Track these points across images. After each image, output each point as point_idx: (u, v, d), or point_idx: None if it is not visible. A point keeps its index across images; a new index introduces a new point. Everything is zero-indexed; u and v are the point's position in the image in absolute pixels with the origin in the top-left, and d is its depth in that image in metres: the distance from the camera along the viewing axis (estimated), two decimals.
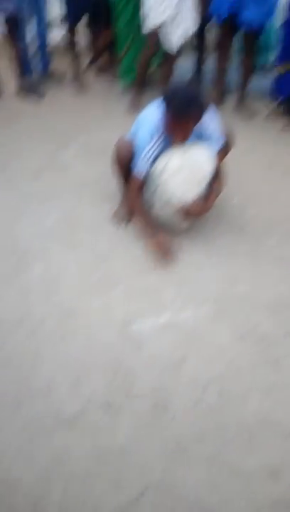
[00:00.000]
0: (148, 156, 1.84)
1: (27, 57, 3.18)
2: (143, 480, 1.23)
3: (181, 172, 1.82)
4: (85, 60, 3.57)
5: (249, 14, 2.66)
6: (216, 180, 1.95)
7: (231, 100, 3.23)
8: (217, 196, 1.97)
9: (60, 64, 3.61)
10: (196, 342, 1.61)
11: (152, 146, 1.83)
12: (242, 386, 1.47)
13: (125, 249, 2.00)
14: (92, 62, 3.58)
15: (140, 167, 1.87)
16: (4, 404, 1.37)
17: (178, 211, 1.92)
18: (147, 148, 1.83)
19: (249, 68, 3.01)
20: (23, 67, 3.14)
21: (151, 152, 1.84)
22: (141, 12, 2.80)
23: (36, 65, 3.34)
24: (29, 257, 1.91)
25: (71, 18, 3.14)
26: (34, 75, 3.30)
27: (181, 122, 1.74)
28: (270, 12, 2.70)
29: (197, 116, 1.73)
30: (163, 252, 1.93)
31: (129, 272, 1.88)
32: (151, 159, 1.86)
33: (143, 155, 1.84)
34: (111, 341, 1.59)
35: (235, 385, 1.47)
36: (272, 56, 3.43)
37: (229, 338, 1.63)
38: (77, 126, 2.89)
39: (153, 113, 1.84)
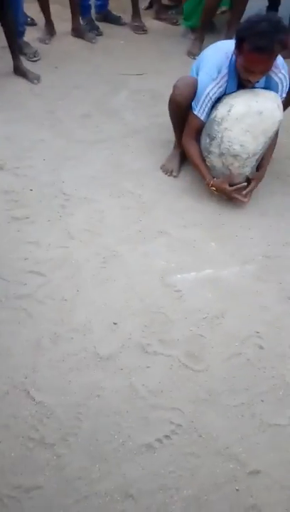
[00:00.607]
0: (210, 95, 1.78)
1: None
2: (171, 422, 1.32)
3: (245, 120, 1.76)
4: (145, 1, 3.47)
5: None
6: (273, 138, 1.89)
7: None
8: (269, 160, 1.94)
9: (118, 4, 3.54)
10: (238, 298, 1.63)
11: (215, 85, 1.77)
12: (282, 345, 1.50)
13: (170, 201, 2.02)
14: (152, 3, 3.48)
15: (201, 107, 1.82)
16: (44, 337, 1.49)
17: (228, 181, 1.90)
18: (210, 87, 1.77)
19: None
20: (80, 7, 3.11)
21: (213, 92, 1.78)
22: None
23: (93, 4, 3.30)
24: (73, 200, 1.99)
25: None
26: (90, 16, 3.26)
27: (261, 55, 1.58)
28: None
29: (279, 51, 1.61)
30: (224, 189, 1.92)
31: (174, 224, 1.91)
32: (213, 100, 1.80)
33: (205, 94, 1.78)
34: (151, 289, 1.65)
35: (275, 342, 1.50)
36: None
37: (274, 298, 1.64)
38: (131, 70, 2.86)
39: (219, 50, 1.77)
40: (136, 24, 3.29)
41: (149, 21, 3.38)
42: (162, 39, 3.17)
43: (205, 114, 1.83)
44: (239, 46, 1.63)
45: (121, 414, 1.32)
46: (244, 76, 1.71)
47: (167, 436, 1.29)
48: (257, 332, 1.52)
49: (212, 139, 1.87)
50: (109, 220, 1.92)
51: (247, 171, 1.90)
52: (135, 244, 1.82)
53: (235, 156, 1.83)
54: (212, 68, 1.75)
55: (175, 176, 2.14)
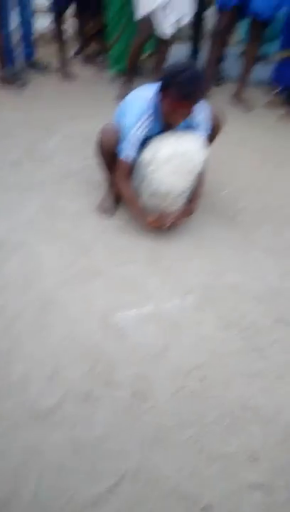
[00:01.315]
0: (135, 137, 1.93)
1: (10, 46, 3.35)
2: (119, 469, 1.32)
3: (171, 161, 1.91)
4: (72, 49, 3.74)
5: (259, 4, 2.80)
6: (201, 174, 2.07)
7: (229, 89, 3.39)
8: (201, 194, 2.13)
9: (46, 53, 3.80)
10: (180, 331, 1.72)
11: (139, 127, 1.92)
12: (225, 373, 1.58)
13: (108, 240, 2.12)
14: (80, 50, 3.76)
15: (127, 151, 1.96)
16: None
17: (163, 216, 2.05)
18: (134, 130, 1.91)
19: (253, 58, 3.16)
20: (6, 56, 3.30)
21: (138, 134, 1.92)
22: None
23: (20, 53, 3.51)
24: (7, 246, 2.02)
25: (58, 6, 3.31)
26: (17, 64, 3.46)
27: (185, 101, 1.78)
28: (280, 4, 2.83)
29: (200, 97, 1.81)
30: (161, 225, 2.08)
31: (112, 262, 2.00)
32: (138, 142, 1.95)
33: (130, 137, 1.92)
34: (92, 331, 1.70)
35: (218, 371, 1.58)
36: (275, 46, 3.60)
37: (215, 327, 1.74)
38: (61, 115, 3.04)
39: (142, 94, 1.93)
40: (65, 71, 3.53)
41: (78, 68, 3.64)
42: (91, 84, 3.41)
43: (132, 155, 1.97)
44: (163, 92, 1.81)
45: (65, 470, 1.31)
46: (169, 119, 1.90)
47: (116, 485, 1.30)
48: (199, 363, 1.60)
49: (142, 180, 2.02)
50: (46, 264, 1.97)
51: (176, 208, 2.05)
52: (74, 286, 1.88)
53: (164, 195, 1.98)
54: (136, 112, 1.91)
55: (110, 216, 2.26)
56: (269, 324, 1.76)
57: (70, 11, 3.54)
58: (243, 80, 3.25)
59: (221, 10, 2.98)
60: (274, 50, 3.71)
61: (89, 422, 1.43)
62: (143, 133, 1.94)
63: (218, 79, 3.54)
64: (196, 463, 1.35)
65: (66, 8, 3.36)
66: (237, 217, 2.31)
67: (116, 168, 2.06)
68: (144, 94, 1.93)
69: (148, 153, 1.96)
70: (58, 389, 1.52)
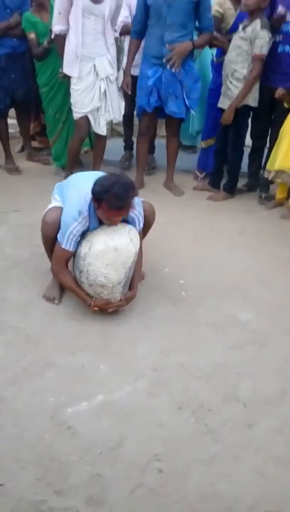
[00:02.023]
0: (72, 234, 1.97)
1: None
2: None
3: (105, 256, 1.94)
4: (16, 145, 3.84)
5: (172, 107, 3.10)
6: (137, 262, 2.12)
7: (161, 176, 3.58)
8: (138, 281, 2.19)
9: None
10: (133, 422, 1.61)
11: (78, 225, 1.96)
12: (182, 461, 1.48)
13: (57, 328, 2.03)
14: (23, 147, 3.86)
15: (67, 242, 1.98)
16: None
17: (106, 302, 2.05)
18: (73, 226, 1.95)
19: (173, 150, 3.42)
20: None
21: (76, 230, 1.97)
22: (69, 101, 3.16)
23: None
24: None
25: (0, 105, 3.43)
26: None
27: (117, 212, 1.88)
28: (192, 105, 3.14)
29: (131, 205, 1.91)
30: (108, 306, 2.06)
31: (62, 353, 1.89)
32: (77, 236, 1.98)
33: (69, 232, 1.95)
34: (42, 432, 1.55)
35: (175, 461, 1.48)
36: (197, 139, 3.93)
37: (168, 411, 1.66)
38: (8, 207, 3.02)
39: (81, 191, 1.95)
40: (10, 166, 3.58)
41: (23, 163, 3.71)
42: (36, 177, 3.47)
43: (71, 247, 2.00)
44: (97, 203, 1.87)
45: None
46: (105, 221, 1.97)
47: None
48: (155, 455, 1.49)
49: (80, 271, 2.01)
50: None
51: (117, 296, 2.04)
52: (21, 383, 1.73)
53: (102, 285, 1.98)
54: (74, 211, 1.94)
55: (57, 303, 2.18)
56: (219, 402, 1.70)
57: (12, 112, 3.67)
58: (171, 169, 3.47)
59: (142, 113, 3.24)
60: (195, 142, 4.05)
61: None
62: (80, 230, 1.98)
63: (151, 168, 3.75)
64: None
65: (6, 110, 3.49)
66: (180, 294, 2.32)
67: (53, 256, 2.09)
68: (83, 192, 1.95)
69: (84, 247, 1.99)
70: (6, 502, 1.34)
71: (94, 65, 2.96)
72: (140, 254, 2.14)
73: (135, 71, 3.19)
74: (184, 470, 1.45)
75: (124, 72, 3.25)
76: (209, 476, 1.44)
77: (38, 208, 3.00)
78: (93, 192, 1.86)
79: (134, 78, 3.19)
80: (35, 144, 3.89)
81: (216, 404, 1.68)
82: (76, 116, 3.13)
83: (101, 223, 2.01)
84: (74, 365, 1.83)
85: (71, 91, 3.07)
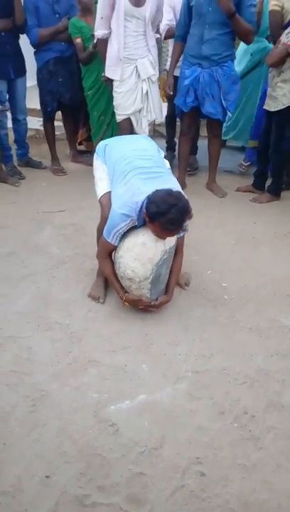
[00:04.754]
0: (120, 231, 1.99)
1: (7, 145, 3.51)
2: None
3: (134, 249, 1.99)
4: (62, 147, 3.94)
5: (209, 108, 3.07)
6: (174, 266, 2.13)
7: (203, 177, 3.55)
8: (175, 282, 2.18)
9: (39, 151, 3.99)
10: (174, 423, 1.60)
11: (125, 225, 1.97)
12: (224, 467, 1.45)
13: (100, 326, 2.06)
14: (71, 149, 3.96)
15: (113, 237, 2.00)
16: None
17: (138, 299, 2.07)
18: (121, 226, 1.96)
19: (215, 150, 3.38)
20: (3, 154, 3.45)
21: (123, 229, 1.99)
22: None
23: (15, 151, 3.68)
24: (0, 340, 1.95)
25: (46, 111, 3.54)
26: (13, 162, 3.61)
27: (173, 232, 1.89)
28: (229, 106, 3.09)
29: (183, 227, 1.88)
30: (139, 303, 2.08)
31: (104, 351, 1.92)
32: (121, 235, 2.01)
33: (116, 230, 1.98)
34: (86, 428, 1.58)
35: (216, 466, 1.45)
36: (240, 138, 3.88)
37: (209, 416, 1.64)
38: (54, 208, 3.11)
39: (134, 196, 1.91)
40: (56, 168, 3.68)
41: (68, 164, 3.81)
42: (80, 179, 3.54)
43: (116, 242, 2.03)
44: (150, 220, 1.85)
45: None
46: (153, 233, 1.94)
47: None
48: (197, 458, 1.47)
49: (114, 263, 2.10)
50: (38, 356, 1.88)
51: (146, 292, 2.05)
52: (66, 379, 1.77)
53: (130, 279, 2.03)
54: (123, 212, 1.94)
55: (102, 302, 2.22)
56: (262, 409, 1.66)
57: (59, 115, 3.78)
58: (213, 170, 3.43)
59: (181, 113, 3.24)
60: (239, 142, 4.00)
61: None
62: (126, 229, 2.00)
63: (193, 169, 3.72)
64: None
65: (54, 113, 3.60)
66: (221, 297, 2.28)
67: (99, 245, 2.13)
68: (135, 197, 1.91)
69: (121, 240, 2.04)
70: (52, 494, 1.38)
71: (136, 67, 2.99)
72: (178, 258, 2.14)
73: (178, 72, 3.19)
74: (225, 475, 1.43)
75: (167, 73, 3.26)
76: (251, 483, 1.41)
77: (82, 208, 3.09)
78: (148, 210, 1.83)
79: (177, 79, 3.19)
80: (80, 147, 3.99)
81: (259, 411, 1.64)
82: (119, 118, 3.17)
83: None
84: (117, 364, 1.85)
85: (114, 94, 3.11)
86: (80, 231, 2.80)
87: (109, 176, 2.14)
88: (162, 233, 1.89)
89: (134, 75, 3.02)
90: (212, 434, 1.56)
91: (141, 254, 1.98)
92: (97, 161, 2.25)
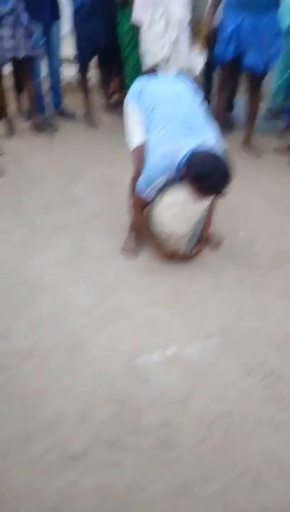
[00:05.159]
0: (156, 187, 1.91)
1: (40, 95, 3.39)
2: None
3: (172, 208, 1.92)
4: (96, 97, 3.77)
5: (251, 59, 2.80)
6: (208, 217, 2.07)
7: (239, 136, 3.36)
8: (206, 241, 2.15)
9: (72, 101, 3.83)
10: (203, 377, 1.63)
11: (163, 180, 1.88)
12: (249, 423, 1.48)
13: (132, 280, 2.06)
14: (104, 100, 3.79)
15: (149, 192, 1.92)
16: (11, 441, 1.40)
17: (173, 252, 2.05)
18: (157, 181, 1.88)
19: (255, 109, 3.15)
20: (37, 104, 3.33)
21: (158, 185, 1.91)
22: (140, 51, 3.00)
23: (49, 102, 3.55)
24: (38, 288, 1.98)
25: (82, 57, 3.35)
26: (47, 112, 3.49)
27: (206, 198, 1.83)
28: (272, 59, 2.83)
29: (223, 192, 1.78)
30: (174, 256, 2.07)
31: (136, 303, 1.93)
32: (158, 189, 1.92)
33: (153, 184, 1.89)
34: (118, 375, 1.62)
35: (242, 422, 1.49)
36: (279, 100, 3.60)
37: (237, 373, 1.65)
38: (87, 160, 3.03)
39: (174, 152, 1.80)
40: (89, 119, 3.54)
41: (101, 116, 3.66)
42: (113, 131, 3.40)
43: (152, 196, 1.95)
44: (190, 183, 1.76)
45: None
46: (189, 193, 1.83)
47: None
48: (223, 413, 1.50)
49: (151, 219, 2.04)
50: (74, 304, 1.91)
51: (182, 247, 2.05)
52: (100, 327, 1.81)
53: (168, 236, 2.01)
54: (162, 167, 1.85)
55: (135, 256, 2.20)
56: (288, 372, 1.66)
57: (94, 62, 3.58)
58: (250, 129, 3.23)
59: (220, 64, 2.99)
60: (277, 103, 3.71)
61: (117, 469, 1.35)
62: (164, 183, 1.91)
63: (228, 126, 3.52)
64: None
65: (89, 59, 3.40)
66: (253, 260, 2.23)
67: (134, 198, 2.04)
68: (173, 156, 1.81)
69: (158, 195, 1.96)
70: (86, 433, 1.44)
71: (165, 10, 2.76)
72: (211, 210, 2.07)
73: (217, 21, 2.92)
74: (250, 432, 1.46)
75: (204, 23, 2.98)
76: (274, 441, 1.44)
77: (115, 161, 2.99)
78: (188, 172, 1.74)
79: (216, 29, 2.92)
80: (113, 99, 3.80)
81: (286, 374, 1.65)
82: (147, 65, 2.96)
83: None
84: (148, 317, 1.87)
85: (141, 38, 2.90)
86: (114, 184, 2.73)
87: (143, 123, 1.99)
88: (199, 196, 1.82)
89: (163, 19, 2.79)
90: (239, 392, 1.58)
91: (179, 214, 1.93)
92: (129, 107, 2.08)
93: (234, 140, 3.38)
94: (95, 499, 1.27)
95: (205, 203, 1.95)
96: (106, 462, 1.36)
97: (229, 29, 2.76)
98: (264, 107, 3.49)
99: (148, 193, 1.94)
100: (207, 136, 1.85)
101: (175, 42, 2.87)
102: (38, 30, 3.05)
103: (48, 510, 1.24)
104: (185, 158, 1.78)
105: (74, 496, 1.27)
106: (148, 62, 2.95)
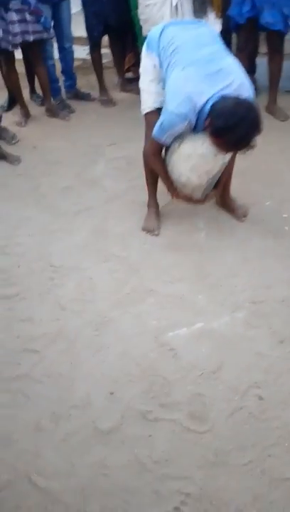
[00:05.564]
0: (174, 133, 1.79)
1: (54, 78, 3.39)
2: (181, 493, 1.25)
3: (190, 160, 1.82)
4: (111, 75, 3.73)
5: (268, 17, 2.67)
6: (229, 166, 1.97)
7: (263, 99, 3.22)
8: (224, 183, 2.05)
9: (86, 81, 3.82)
10: (233, 349, 1.62)
11: (181, 127, 1.75)
12: (283, 392, 1.46)
13: (156, 259, 2.05)
14: (119, 77, 3.74)
15: (167, 137, 1.81)
16: (44, 418, 1.45)
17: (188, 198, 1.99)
18: (176, 128, 1.75)
19: (277, 69, 3.00)
20: (51, 87, 3.34)
21: (178, 131, 1.78)
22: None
23: (63, 83, 3.55)
24: (62, 271, 2.02)
25: (93, 36, 3.31)
26: (62, 95, 3.49)
27: (233, 152, 1.73)
28: (288, 16, 2.68)
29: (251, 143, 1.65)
30: (190, 201, 2.01)
31: (161, 281, 1.93)
32: (176, 135, 1.80)
33: (170, 131, 1.77)
34: (146, 351, 1.64)
35: (275, 390, 1.46)
36: None
37: (268, 343, 1.63)
38: (105, 141, 3.02)
39: (192, 97, 1.68)
40: (105, 98, 3.52)
41: (117, 94, 3.62)
42: (130, 109, 3.36)
43: (169, 141, 1.85)
44: (215, 135, 1.65)
45: (128, 491, 1.26)
46: (217, 148, 1.74)
47: (177, 508, 1.22)
48: (256, 382, 1.49)
49: (167, 164, 1.94)
50: (99, 286, 1.94)
51: (198, 194, 1.97)
52: (126, 307, 1.83)
53: (183, 185, 1.92)
54: (182, 112, 1.71)
55: (156, 235, 2.19)
56: None
57: (107, 41, 3.53)
58: (273, 91, 3.09)
59: (236, 25, 2.86)
60: None
61: (149, 443, 1.37)
62: (182, 130, 1.78)
63: None
64: (258, 488, 1.25)
65: (100, 38, 3.35)
66: (282, 228, 2.16)
67: (150, 144, 1.93)
68: (195, 99, 1.68)
69: (174, 143, 1.85)
70: (117, 409, 1.47)
71: None
72: (233, 158, 1.96)
73: None
74: (284, 400, 1.44)
75: None
76: None
77: (133, 139, 2.94)
78: (213, 123, 1.62)
79: None
80: (128, 75, 3.74)
81: None
82: (146, 34, 2.88)
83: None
84: (174, 294, 1.86)
85: (140, 6, 2.82)
86: (132, 163, 2.71)
87: (159, 82, 1.88)
88: (226, 149, 1.70)
89: None
90: (271, 361, 1.56)
91: (198, 166, 1.82)
92: (146, 59, 1.92)
93: (258, 103, 3.24)
94: (125, 474, 1.30)
95: (227, 157, 1.84)
96: (139, 436, 1.38)
97: None
98: (287, 67, 3.32)
99: (165, 139, 1.82)
100: (232, 77, 1.70)
101: (176, 9, 2.76)
102: (46, 12, 3.04)
103: (83, 486, 1.28)
104: (208, 105, 1.66)
105: (106, 471, 1.31)
106: (148, 30, 2.87)
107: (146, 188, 2.24)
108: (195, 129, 1.81)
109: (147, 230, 2.21)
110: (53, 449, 1.37)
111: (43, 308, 1.84)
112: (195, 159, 1.82)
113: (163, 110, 1.80)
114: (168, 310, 1.79)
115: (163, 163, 1.97)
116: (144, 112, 1.99)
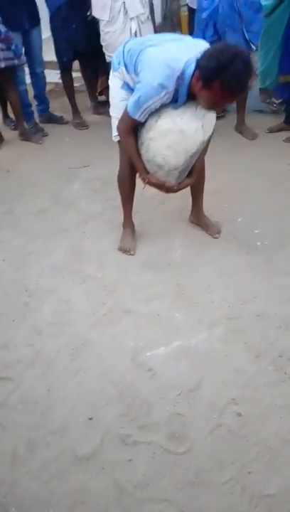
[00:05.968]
0: (150, 108, 1.71)
1: (26, 102, 3.45)
2: None
3: (168, 136, 1.73)
4: (82, 99, 3.82)
5: (231, 41, 2.77)
6: (202, 151, 1.90)
7: (232, 119, 3.36)
8: (198, 171, 1.98)
9: (60, 104, 3.90)
10: (210, 366, 1.64)
11: (159, 99, 1.67)
12: (261, 406, 1.48)
13: (132, 278, 2.08)
14: (92, 100, 3.83)
15: (141, 114, 1.73)
16: (20, 448, 1.43)
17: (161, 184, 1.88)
18: (152, 101, 1.67)
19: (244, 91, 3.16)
20: (23, 112, 3.40)
21: (155, 106, 1.70)
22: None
23: (36, 108, 3.61)
24: (38, 295, 2.02)
25: (63, 61, 3.40)
26: (34, 120, 3.55)
27: (232, 96, 1.59)
28: (254, 36, 2.84)
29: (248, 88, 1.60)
30: (161, 188, 1.91)
31: (138, 300, 1.95)
32: (151, 111, 1.72)
33: (147, 105, 1.69)
34: (124, 372, 1.64)
35: (254, 406, 1.49)
36: (269, 81, 3.57)
37: (245, 358, 1.66)
38: (79, 162, 3.08)
39: (170, 63, 1.60)
40: (78, 121, 3.59)
41: (89, 117, 3.71)
42: (103, 131, 3.40)
43: (144, 119, 1.77)
44: (206, 83, 1.55)
45: None
46: (208, 107, 1.69)
47: None
48: (233, 399, 1.51)
49: (141, 143, 1.85)
50: (75, 308, 1.94)
51: (171, 180, 1.88)
52: (103, 328, 1.83)
53: (159, 166, 1.82)
54: (157, 82, 1.63)
55: (132, 254, 2.23)
56: None
57: (78, 65, 3.63)
58: (241, 111, 3.23)
59: None
60: (267, 85, 3.66)
61: (128, 468, 1.37)
62: (159, 105, 1.71)
63: (220, 111, 3.52)
64: (239, 505, 1.26)
65: (71, 63, 3.45)
66: (255, 243, 2.23)
67: (121, 120, 1.85)
68: (170, 62, 1.61)
69: (151, 118, 1.77)
70: (96, 434, 1.46)
71: (124, 3, 2.81)
72: (207, 145, 1.91)
73: (194, 4, 2.95)
74: (262, 415, 1.46)
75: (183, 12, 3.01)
76: (288, 423, 1.44)
77: (108, 160, 3.01)
78: (205, 69, 1.51)
79: (193, 12, 2.95)
80: (102, 98, 3.84)
81: None
82: (109, 60, 3.00)
83: (189, 99, 1.70)
84: (150, 312, 1.89)
85: (101, 33, 2.96)
86: (107, 184, 2.76)
87: (129, 74, 1.81)
88: (222, 97, 1.57)
89: (122, 13, 2.84)
90: (248, 376, 1.58)
91: (176, 143, 1.72)
92: (113, 80, 1.92)
93: (227, 124, 3.38)
94: (105, 500, 1.28)
95: (205, 133, 1.76)
96: (118, 460, 1.37)
97: (205, 14, 2.78)
98: (255, 87, 3.48)
99: (139, 115, 1.73)
100: (206, 45, 1.66)
101: (136, 35, 2.89)
102: (16, 39, 3.12)
103: None
104: (188, 70, 1.59)
105: (89, 496, 1.30)
106: (111, 57, 2.99)
107: (121, 208, 2.28)
108: (175, 102, 1.72)
109: (123, 249, 2.25)
110: (31, 478, 1.35)
111: (18, 334, 1.83)
112: (173, 135, 1.72)
113: (136, 87, 1.72)
114: (145, 329, 1.81)
115: (136, 143, 1.88)
116: (117, 140, 2.03)
